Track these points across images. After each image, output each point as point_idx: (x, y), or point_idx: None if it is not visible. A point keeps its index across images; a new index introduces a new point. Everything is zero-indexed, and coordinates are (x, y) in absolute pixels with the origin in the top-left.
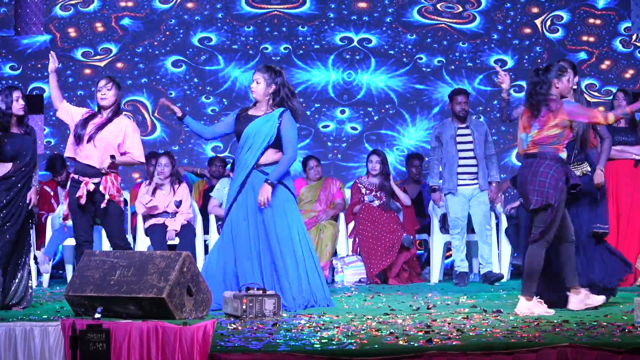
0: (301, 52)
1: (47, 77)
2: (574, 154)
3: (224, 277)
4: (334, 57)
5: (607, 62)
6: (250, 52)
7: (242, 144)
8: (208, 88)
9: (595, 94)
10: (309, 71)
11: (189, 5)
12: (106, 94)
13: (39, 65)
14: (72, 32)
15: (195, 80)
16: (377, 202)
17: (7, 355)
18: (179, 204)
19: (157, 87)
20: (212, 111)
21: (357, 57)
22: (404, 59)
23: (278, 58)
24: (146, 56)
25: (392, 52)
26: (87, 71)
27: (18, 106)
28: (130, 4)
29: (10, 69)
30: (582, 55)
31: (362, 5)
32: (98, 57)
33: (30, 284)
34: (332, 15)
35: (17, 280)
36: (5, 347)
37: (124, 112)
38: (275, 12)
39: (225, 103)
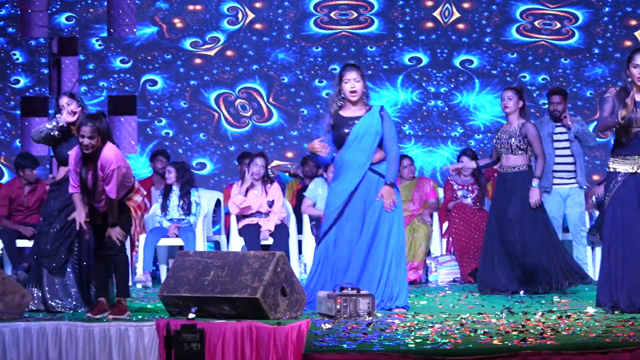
0: (370, 72)
1: (158, 68)
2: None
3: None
4: (402, 77)
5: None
6: (319, 72)
7: (348, 146)
8: (320, 72)
9: None
10: (377, 91)
11: (258, 26)
12: None
13: (149, 58)
14: (177, 22)
15: (308, 63)
16: (470, 198)
17: (102, 355)
18: (271, 203)
19: (268, 73)
20: (327, 94)
21: (461, 79)
22: (508, 78)
23: None
24: (255, 43)
25: (494, 72)
26: (198, 61)
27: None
28: (196, 27)
29: (121, 63)
30: None
31: (460, 26)
32: (207, 46)
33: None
34: (400, 35)
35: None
36: (100, 347)
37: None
38: (344, 33)
39: None
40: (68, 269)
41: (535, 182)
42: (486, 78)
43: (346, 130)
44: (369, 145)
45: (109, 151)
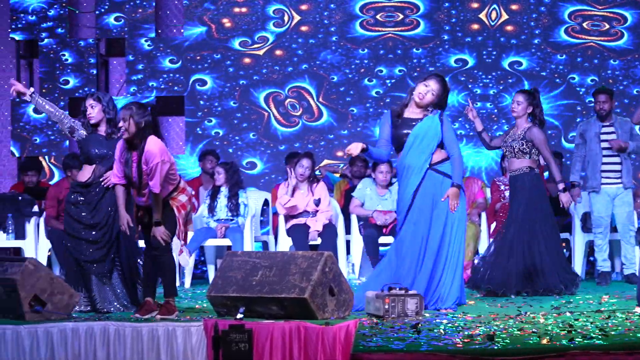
0: (416, 74)
1: (208, 68)
2: None
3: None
4: (449, 79)
5: None
6: (368, 73)
7: (408, 147)
8: (368, 72)
9: None
10: None
11: (303, 28)
12: None
13: (198, 57)
14: (226, 22)
15: (357, 62)
16: None
17: (150, 355)
18: (318, 202)
19: (318, 72)
20: (377, 93)
21: (510, 81)
22: (557, 80)
23: (393, 80)
24: (303, 44)
25: (543, 73)
26: (247, 60)
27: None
28: (245, 26)
29: (170, 63)
30: None
31: (509, 28)
32: (256, 45)
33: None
34: (446, 37)
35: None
36: (149, 347)
37: None
38: (390, 35)
39: (389, 84)
40: (114, 272)
41: (560, 186)
42: (535, 80)
43: (405, 131)
44: (427, 146)
45: (154, 145)
